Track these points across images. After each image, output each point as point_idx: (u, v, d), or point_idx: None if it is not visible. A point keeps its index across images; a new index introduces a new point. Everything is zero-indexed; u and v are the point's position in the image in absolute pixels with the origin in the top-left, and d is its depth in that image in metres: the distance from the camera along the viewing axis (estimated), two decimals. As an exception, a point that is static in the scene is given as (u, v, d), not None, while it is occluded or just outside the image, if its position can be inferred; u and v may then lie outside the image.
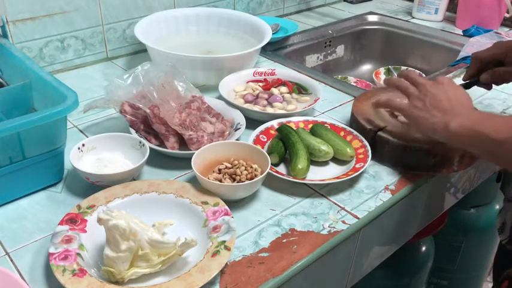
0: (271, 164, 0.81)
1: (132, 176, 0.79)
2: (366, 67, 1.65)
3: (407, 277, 1.37)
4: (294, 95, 1.07)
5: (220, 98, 1.00)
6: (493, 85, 0.96)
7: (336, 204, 0.78)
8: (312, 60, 1.50)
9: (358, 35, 1.61)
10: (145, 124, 0.88)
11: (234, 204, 0.76)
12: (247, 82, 1.10)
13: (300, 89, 1.08)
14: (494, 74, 0.88)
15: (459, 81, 1.21)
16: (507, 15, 1.50)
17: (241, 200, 0.77)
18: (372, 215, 0.76)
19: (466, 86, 0.95)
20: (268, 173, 0.77)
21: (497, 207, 1.54)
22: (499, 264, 0.94)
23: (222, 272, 0.64)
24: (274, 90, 1.07)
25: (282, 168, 0.86)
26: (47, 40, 1.12)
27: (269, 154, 0.82)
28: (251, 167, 0.79)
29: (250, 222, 0.74)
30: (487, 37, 1.39)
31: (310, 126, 0.93)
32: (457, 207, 1.35)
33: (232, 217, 0.70)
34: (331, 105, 1.07)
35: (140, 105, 0.87)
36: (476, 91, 1.15)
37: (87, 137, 0.91)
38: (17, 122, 0.67)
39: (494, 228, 1.52)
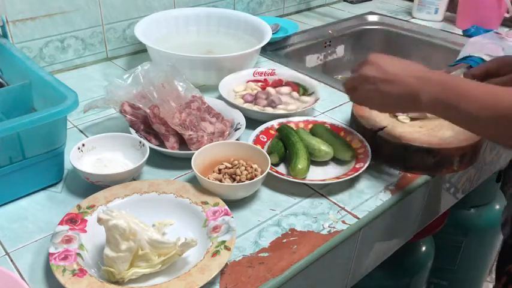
0: (271, 164, 0.81)
1: (132, 176, 0.79)
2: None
3: (407, 277, 1.37)
4: (293, 94, 1.07)
5: (220, 98, 1.00)
6: None
7: (336, 204, 0.78)
8: (312, 60, 1.50)
9: (358, 35, 1.61)
10: (145, 124, 0.88)
11: (234, 204, 0.76)
12: (247, 82, 1.10)
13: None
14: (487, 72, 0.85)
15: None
16: (507, 15, 1.50)
17: (241, 200, 0.77)
18: (372, 215, 0.76)
19: None
20: (268, 173, 0.77)
21: (497, 207, 1.54)
22: (502, 260, 0.94)
23: (222, 272, 0.64)
24: (271, 90, 1.07)
25: (282, 168, 0.86)
26: (47, 40, 1.12)
27: (269, 154, 0.82)
28: (251, 167, 0.79)
29: (250, 222, 0.74)
30: (487, 37, 1.39)
31: (310, 126, 0.93)
32: (457, 207, 1.35)
33: (232, 217, 0.70)
34: (331, 105, 1.07)
35: (140, 105, 0.87)
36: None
37: (87, 137, 0.91)
38: (17, 122, 0.67)
39: (494, 228, 1.53)
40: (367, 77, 0.75)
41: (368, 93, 0.76)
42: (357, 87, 0.78)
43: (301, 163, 0.81)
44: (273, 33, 1.23)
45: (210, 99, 0.98)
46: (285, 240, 0.70)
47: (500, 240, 1.61)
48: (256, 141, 0.88)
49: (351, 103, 1.03)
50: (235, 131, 0.91)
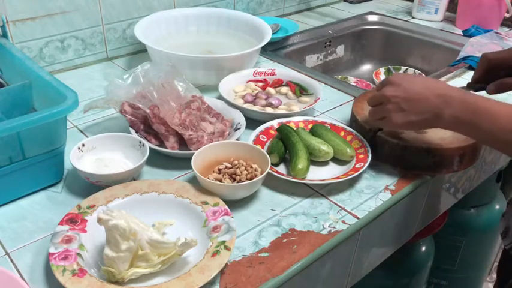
0: (271, 164, 0.81)
1: (132, 176, 0.79)
2: (366, 67, 1.65)
3: (407, 277, 1.37)
4: (293, 94, 1.07)
5: (220, 98, 1.00)
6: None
7: (336, 204, 0.78)
8: (312, 60, 1.50)
9: (358, 35, 1.61)
10: (145, 124, 0.88)
11: (234, 204, 0.76)
12: (247, 82, 1.10)
13: (300, 90, 1.08)
14: (502, 85, 0.85)
15: (459, 81, 1.21)
16: (507, 15, 1.50)
17: (241, 200, 0.77)
18: (372, 215, 0.76)
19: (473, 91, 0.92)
20: (268, 173, 0.77)
21: (497, 207, 1.54)
22: (504, 272, 0.93)
23: (222, 272, 0.64)
24: (271, 90, 1.07)
25: (282, 168, 0.86)
26: (47, 40, 1.12)
27: (269, 154, 0.82)
28: (251, 167, 0.79)
29: (250, 222, 0.74)
30: (487, 37, 1.39)
31: (310, 126, 0.93)
32: (457, 207, 1.35)
33: (232, 217, 0.70)
34: (331, 105, 1.07)
35: (140, 105, 0.87)
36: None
37: (87, 137, 0.91)
38: (17, 122, 0.67)
39: (494, 228, 1.53)
40: (390, 97, 0.76)
41: (389, 112, 0.77)
42: (378, 106, 0.80)
43: (301, 163, 0.81)
44: (273, 33, 1.23)
45: (210, 99, 0.98)
46: (285, 240, 0.70)
47: (500, 240, 1.61)
48: (256, 141, 0.88)
49: (351, 103, 1.03)
50: (235, 131, 0.91)
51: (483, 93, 0.88)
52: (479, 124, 0.68)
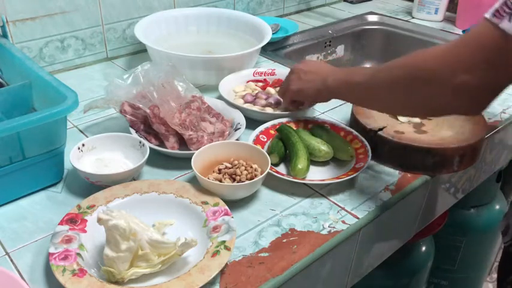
0: (271, 164, 0.81)
1: (132, 176, 0.79)
2: (366, 67, 1.64)
3: (407, 277, 1.37)
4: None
5: (220, 98, 1.00)
6: None
7: (336, 204, 0.78)
8: (312, 60, 1.50)
9: (358, 35, 1.61)
10: (145, 124, 0.88)
11: (234, 204, 0.76)
12: (247, 82, 1.10)
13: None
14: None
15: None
16: (507, 15, 1.50)
17: (241, 200, 0.77)
18: (371, 215, 0.76)
19: None
20: (268, 173, 0.77)
21: (497, 207, 1.54)
22: (504, 269, 0.93)
23: (222, 272, 0.64)
24: (271, 90, 1.07)
25: (282, 168, 0.86)
26: (47, 40, 1.12)
27: (269, 154, 0.82)
28: (251, 167, 0.79)
29: (250, 222, 0.74)
30: (487, 37, 1.39)
31: (310, 126, 0.93)
32: (457, 207, 1.35)
33: (232, 217, 0.70)
34: (331, 105, 1.06)
35: (140, 105, 0.87)
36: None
37: (87, 137, 0.91)
38: (17, 122, 0.67)
39: (494, 228, 1.53)
40: (294, 69, 0.94)
41: (290, 81, 0.93)
42: (288, 82, 0.94)
43: (301, 163, 0.81)
44: (273, 33, 1.23)
45: (210, 99, 0.98)
46: (285, 240, 0.70)
47: (500, 240, 1.61)
48: (256, 141, 0.88)
49: (350, 103, 1.03)
50: (235, 131, 0.91)
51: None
52: (350, 80, 0.80)
